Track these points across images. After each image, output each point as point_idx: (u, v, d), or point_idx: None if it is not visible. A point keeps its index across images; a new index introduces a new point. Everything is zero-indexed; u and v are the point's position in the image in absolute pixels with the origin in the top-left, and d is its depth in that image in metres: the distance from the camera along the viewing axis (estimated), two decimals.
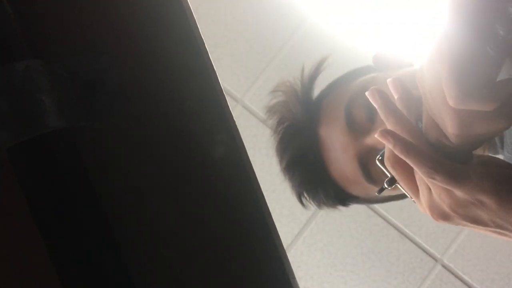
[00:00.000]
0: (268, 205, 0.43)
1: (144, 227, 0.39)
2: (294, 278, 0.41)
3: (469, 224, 0.44)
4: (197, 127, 0.41)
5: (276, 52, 1.91)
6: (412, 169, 0.43)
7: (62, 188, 0.35)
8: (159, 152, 0.40)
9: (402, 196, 0.82)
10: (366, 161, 0.74)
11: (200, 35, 0.42)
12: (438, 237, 1.84)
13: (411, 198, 0.47)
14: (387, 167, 0.45)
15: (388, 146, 0.43)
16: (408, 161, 0.41)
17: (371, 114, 0.73)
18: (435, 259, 1.85)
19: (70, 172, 0.36)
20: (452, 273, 1.84)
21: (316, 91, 0.90)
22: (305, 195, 0.84)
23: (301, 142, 0.84)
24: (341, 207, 0.86)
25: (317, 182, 0.81)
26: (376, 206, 1.81)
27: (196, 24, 0.42)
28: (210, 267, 0.40)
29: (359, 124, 0.74)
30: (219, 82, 0.42)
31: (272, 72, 1.91)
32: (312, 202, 0.85)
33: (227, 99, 0.42)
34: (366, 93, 0.46)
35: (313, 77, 0.90)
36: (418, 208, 0.91)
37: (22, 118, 0.33)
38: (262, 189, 0.43)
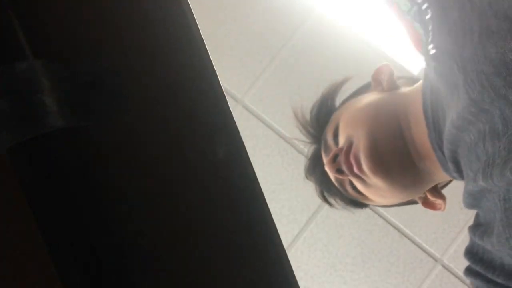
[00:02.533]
0: (268, 205, 0.43)
1: (146, 227, 0.39)
2: (294, 278, 0.41)
3: None
4: (197, 127, 0.41)
5: (276, 52, 1.91)
6: None
7: (63, 188, 0.35)
8: (159, 152, 0.40)
9: (408, 203, 0.95)
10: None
11: (200, 35, 0.42)
12: (438, 237, 1.84)
13: None
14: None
15: None
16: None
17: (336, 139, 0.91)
18: (435, 259, 1.85)
19: (70, 172, 0.36)
20: (452, 273, 1.84)
21: None
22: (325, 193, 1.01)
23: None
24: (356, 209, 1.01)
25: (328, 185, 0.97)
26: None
27: (196, 24, 0.42)
28: (210, 267, 0.40)
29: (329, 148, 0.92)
30: (219, 82, 0.42)
31: (272, 72, 1.91)
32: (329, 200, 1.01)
33: (227, 99, 0.42)
34: None
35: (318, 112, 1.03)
36: (418, 208, 0.94)
37: (22, 118, 0.33)
38: (262, 189, 0.43)
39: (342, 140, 0.86)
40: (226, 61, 1.86)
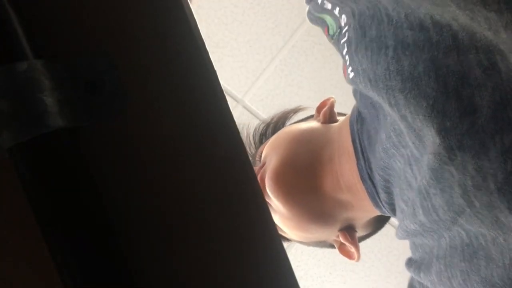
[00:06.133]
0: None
1: (147, 227, 0.39)
2: (294, 278, 0.41)
3: None
4: (197, 128, 0.41)
5: (276, 52, 1.91)
6: None
7: (64, 187, 0.35)
8: (159, 152, 0.40)
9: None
10: None
11: (201, 35, 0.42)
12: None
13: None
14: None
15: None
16: None
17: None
18: None
19: (71, 172, 0.36)
20: None
21: None
22: None
23: None
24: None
25: None
26: None
27: (197, 24, 0.42)
28: (209, 267, 0.40)
29: None
30: (219, 82, 0.42)
31: (272, 72, 1.91)
32: None
33: (227, 99, 0.42)
34: None
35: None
36: None
37: (23, 118, 0.33)
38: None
39: (261, 160, 0.85)
40: (226, 61, 1.86)
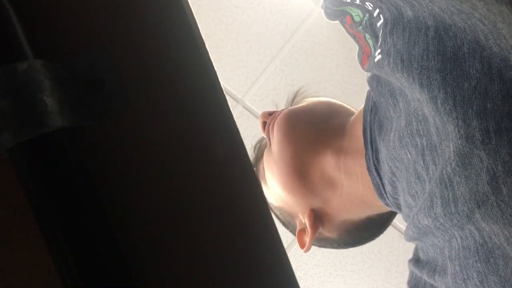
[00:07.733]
0: None
1: (145, 227, 0.39)
2: (294, 278, 0.41)
3: None
4: (197, 128, 0.41)
5: (276, 52, 1.92)
6: None
7: (64, 187, 0.35)
8: (160, 152, 0.40)
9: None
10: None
11: (201, 35, 0.42)
12: None
13: None
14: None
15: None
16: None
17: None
18: None
19: (71, 172, 0.36)
20: None
21: None
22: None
23: None
24: None
25: None
26: None
27: (197, 24, 0.42)
28: (209, 267, 0.40)
29: None
30: (219, 82, 0.42)
31: (272, 72, 1.91)
32: None
33: (227, 99, 0.42)
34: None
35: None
36: None
37: (23, 118, 0.33)
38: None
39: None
40: (226, 61, 1.86)
